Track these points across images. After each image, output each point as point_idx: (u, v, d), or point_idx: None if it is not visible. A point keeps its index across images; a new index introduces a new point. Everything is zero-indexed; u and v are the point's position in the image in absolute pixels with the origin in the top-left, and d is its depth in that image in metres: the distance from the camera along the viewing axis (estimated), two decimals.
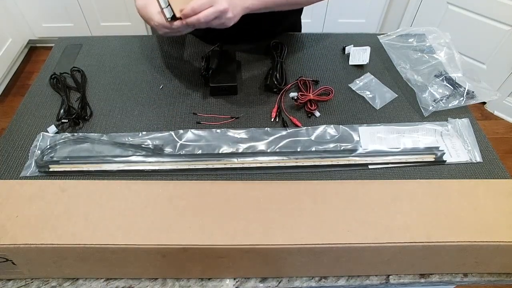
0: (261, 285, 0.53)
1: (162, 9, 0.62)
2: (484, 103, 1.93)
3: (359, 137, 0.69)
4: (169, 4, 0.62)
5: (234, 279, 0.53)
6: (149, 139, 0.67)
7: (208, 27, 0.62)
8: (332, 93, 0.76)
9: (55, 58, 0.85)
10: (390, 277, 0.54)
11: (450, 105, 0.74)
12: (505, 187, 0.55)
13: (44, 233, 0.47)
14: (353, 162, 0.65)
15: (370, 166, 0.65)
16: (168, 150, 0.66)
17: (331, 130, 0.70)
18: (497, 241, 0.48)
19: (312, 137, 0.69)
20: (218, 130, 0.69)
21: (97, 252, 0.47)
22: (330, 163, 0.64)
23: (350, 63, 0.85)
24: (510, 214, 0.51)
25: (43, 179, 0.61)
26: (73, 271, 0.51)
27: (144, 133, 0.69)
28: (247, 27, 0.74)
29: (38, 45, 2.22)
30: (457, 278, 0.54)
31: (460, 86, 0.76)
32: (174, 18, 0.62)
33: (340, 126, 0.70)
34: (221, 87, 0.76)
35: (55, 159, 0.63)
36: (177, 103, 0.75)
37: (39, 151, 0.64)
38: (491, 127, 1.84)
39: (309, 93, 0.74)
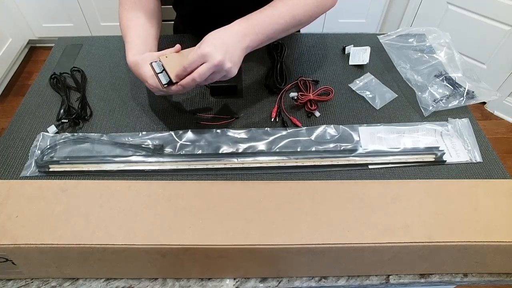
0: (261, 285, 0.53)
1: (156, 74, 0.58)
2: (484, 103, 1.93)
3: (359, 137, 0.69)
4: (164, 69, 0.58)
5: (234, 279, 0.53)
6: (149, 139, 0.67)
7: (214, 81, 0.59)
8: (332, 93, 0.76)
9: (55, 58, 0.85)
10: (390, 277, 0.54)
11: (450, 105, 0.74)
12: (505, 187, 0.55)
13: (44, 233, 0.47)
14: (353, 162, 0.65)
15: (370, 166, 0.65)
16: (168, 150, 0.66)
17: (331, 130, 0.70)
18: (497, 241, 0.48)
19: (312, 137, 0.69)
20: (218, 130, 0.69)
21: (97, 252, 0.47)
22: (330, 163, 0.64)
23: (350, 63, 0.85)
24: (510, 214, 0.51)
25: (43, 179, 0.61)
26: (73, 271, 0.51)
27: (144, 133, 0.68)
28: None
29: (38, 45, 2.22)
30: (457, 278, 0.54)
31: (460, 86, 0.76)
32: (170, 83, 0.58)
33: (340, 126, 0.70)
34: (221, 87, 0.76)
35: (55, 159, 0.63)
36: (177, 103, 0.75)
37: (39, 151, 0.64)
38: (491, 127, 1.84)
39: (309, 93, 0.74)
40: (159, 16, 0.77)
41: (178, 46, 0.63)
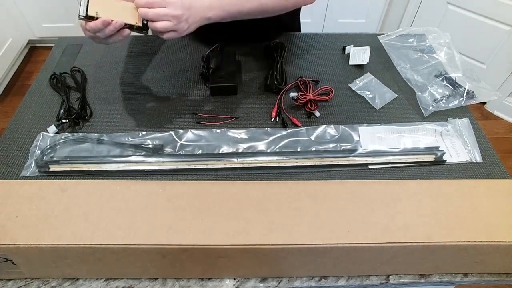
0: (261, 285, 0.53)
1: (80, 6, 0.57)
2: (484, 103, 1.93)
3: (359, 137, 0.69)
4: (87, 3, 0.57)
5: (234, 279, 0.53)
6: (149, 139, 0.67)
7: (160, 35, 0.59)
8: (332, 93, 0.76)
9: (55, 58, 0.85)
10: (390, 277, 0.54)
11: (450, 105, 0.74)
12: (505, 187, 0.55)
13: (44, 233, 0.47)
14: (353, 162, 0.65)
15: (370, 166, 0.65)
16: (168, 150, 0.66)
17: (331, 130, 0.70)
18: (497, 241, 0.48)
19: (312, 137, 0.69)
20: (218, 130, 0.69)
21: (97, 252, 0.47)
22: (330, 163, 0.64)
23: (350, 63, 0.85)
24: (510, 214, 0.51)
25: (43, 179, 0.61)
26: (73, 271, 0.51)
27: (144, 133, 0.68)
28: (240, 28, 0.74)
29: (38, 45, 2.22)
30: (457, 278, 0.54)
31: (460, 86, 0.76)
32: (89, 18, 0.57)
33: (340, 126, 0.70)
34: (221, 87, 0.76)
35: (55, 159, 0.63)
36: (177, 103, 0.75)
37: (39, 151, 0.64)
38: (491, 127, 1.84)
39: (309, 93, 0.74)
40: None
41: None
